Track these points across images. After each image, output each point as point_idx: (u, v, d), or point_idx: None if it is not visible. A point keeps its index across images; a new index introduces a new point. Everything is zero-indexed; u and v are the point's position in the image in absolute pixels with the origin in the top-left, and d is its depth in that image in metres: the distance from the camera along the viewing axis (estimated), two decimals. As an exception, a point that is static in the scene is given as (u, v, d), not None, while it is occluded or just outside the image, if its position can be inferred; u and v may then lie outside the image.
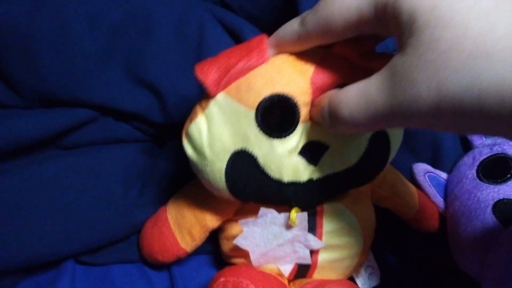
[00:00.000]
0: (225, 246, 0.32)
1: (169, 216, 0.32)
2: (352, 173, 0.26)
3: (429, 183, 0.36)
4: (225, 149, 0.25)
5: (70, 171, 0.33)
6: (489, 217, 0.29)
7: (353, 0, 0.20)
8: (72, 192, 0.33)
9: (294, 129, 0.25)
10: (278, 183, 0.26)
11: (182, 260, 0.35)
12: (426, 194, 0.36)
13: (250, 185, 0.26)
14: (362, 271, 0.34)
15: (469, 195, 0.32)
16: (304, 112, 0.25)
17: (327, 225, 0.29)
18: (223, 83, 0.24)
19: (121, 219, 0.34)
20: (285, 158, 0.25)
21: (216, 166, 0.25)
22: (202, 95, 0.26)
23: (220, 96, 0.25)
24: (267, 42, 0.25)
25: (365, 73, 0.23)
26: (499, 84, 0.15)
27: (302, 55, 0.25)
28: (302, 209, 0.28)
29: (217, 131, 0.25)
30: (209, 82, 0.24)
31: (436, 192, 0.36)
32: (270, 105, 0.24)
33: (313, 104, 0.24)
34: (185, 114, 0.35)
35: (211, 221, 0.31)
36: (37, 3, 0.33)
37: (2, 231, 0.31)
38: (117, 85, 0.35)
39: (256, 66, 0.24)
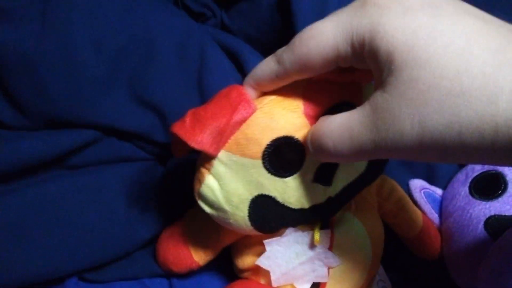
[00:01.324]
0: (241, 262, 0.32)
1: (185, 229, 0.33)
2: (364, 177, 0.27)
3: (425, 199, 0.37)
4: (242, 201, 0.25)
5: (73, 189, 0.34)
6: (481, 233, 0.30)
7: (329, 38, 0.20)
8: (75, 210, 0.34)
9: (303, 163, 0.25)
10: (300, 211, 0.27)
11: (184, 276, 0.36)
12: (422, 210, 0.37)
13: (274, 221, 0.27)
14: (375, 285, 0.34)
15: (462, 212, 0.33)
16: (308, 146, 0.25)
17: (337, 235, 0.29)
18: (221, 143, 0.25)
19: (124, 236, 0.35)
20: (301, 190, 0.26)
21: (238, 216, 0.26)
22: (201, 157, 0.27)
23: (222, 154, 0.25)
24: (247, 93, 0.25)
25: (351, 86, 0.25)
26: (478, 121, 0.16)
27: (287, 92, 0.25)
28: (323, 226, 0.29)
29: (230, 186, 0.25)
30: (207, 147, 0.24)
31: (431, 208, 0.36)
32: (274, 150, 0.24)
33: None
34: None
35: (227, 237, 0.31)
36: (44, 27, 0.34)
37: (7, 250, 0.31)
38: (121, 106, 0.36)
39: (247, 119, 0.24)
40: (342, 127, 0.20)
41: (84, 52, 0.34)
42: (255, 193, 0.25)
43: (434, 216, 0.36)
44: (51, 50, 0.34)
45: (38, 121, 0.35)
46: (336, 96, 0.25)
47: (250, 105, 0.24)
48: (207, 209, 0.27)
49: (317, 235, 0.28)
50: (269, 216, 0.26)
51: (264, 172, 0.25)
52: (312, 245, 0.28)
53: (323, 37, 0.21)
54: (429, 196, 0.37)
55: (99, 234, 0.34)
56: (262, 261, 0.29)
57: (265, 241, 0.29)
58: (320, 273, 0.29)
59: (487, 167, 0.34)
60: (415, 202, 0.37)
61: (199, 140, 0.24)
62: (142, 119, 0.36)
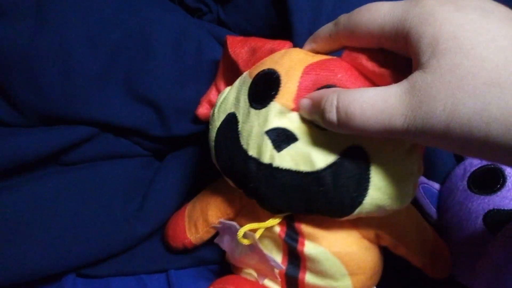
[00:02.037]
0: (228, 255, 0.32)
1: (187, 207, 0.35)
2: (315, 184, 0.24)
3: (423, 194, 0.37)
4: (225, 110, 0.28)
5: (70, 186, 0.34)
6: (480, 228, 0.30)
7: (380, 16, 0.22)
8: (72, 206, 0.34)
9: (267, 104, 0.25)
10: (244, 154, 0.26)
11: (182, 272, 0.36)
12: (421, 205, 0.36)
13: (226, 148, 0.27)
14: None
15: (460, 206, 0.32)
16: (287, 93, 0.25)
17: (310, 267, 0.28)
18: (251, 62, 0.29)
19: (121, 232, 0.35)
20: (254, 129, 0.26)
21: (214, 124, 0.28)
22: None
23: (245, 73, 0.29)
24: (288, 42, 0.29)
25: (366, 82, 0.25)
26: (507, 113, 0.17)
27: (312, 53, 0.27)
28: (287, 228, 0.28)
29: (228, 95, 0.28)
30: (241, 60, 0.29)
31: (430, 203, 0.36)
32: (261, 76, 0.26)
33: (307, 97, 0.24)
34: (183, 127, 0.37)
35: (212, 216, 0.33)
36: (39, 24, 0.34)
37: (4, 246, 0.31)
38: (117, 102, 0.36)
39: (275, 50, 0.28)
40: (377, 97, 0.21)
41: (79, 48, 0.34)
42: (233, 110, 0.27)
43: (432, 211, 0.35)
44: (46, 46, 0.34)
45: (33, 117, 0.35)
46: (340, 81, 0.24)
47: (285, 43, 0.29)
48: (211, 112, 0.30)
49: (241, 232, 0.27)
50: (226, 139, 0.27)
51: (246, 91, 0.27)
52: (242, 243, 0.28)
53: (375, 14, 0.22)
54: (428, 191, 0.37)
55: (96, 230, 0.34)
56: (219, 242, 0.31)
57: (213, 225, 0.31)
58: (269, 270, 0.29)
59: (485, 162, 0.33)
60: (414, 198, 0.37)
61: (237, 51, 0.30)
62: (138, 115, 0.36)
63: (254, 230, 0.28)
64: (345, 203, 0.24)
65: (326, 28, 0.26)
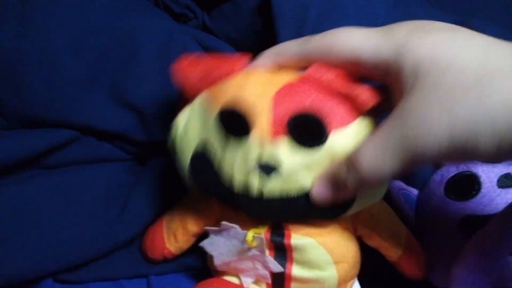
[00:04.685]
0: (210, 261, 0.32)
1: (164, 218, 0.35)
2: (307, 201, 0.26)
3: (402, 200, 0.37)
4: (190, 145, 0.27)
5: (51, 190, 0.34)
6: (456, 233, 0.31)
7: (357, 43, 0.23)
8: (53, 210, 0.33)
9: (244, 141, 0.25)
10: (229, 191, 0.26)
11: (162, 277, 0.35)
12: (400, 211, 0.37)
13: (206, 185, 0.27)
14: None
15: (437, 212, 0.33)
16: (262, 125, 0.25)
17: (296, 258, 0.29)
18: (205, 85, 0.27)
19: (102, 236, 0.34)
20: (235, 167, 0.26)
21: (181, 158, 0.27)
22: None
23: (201, 96, 0.27)
24: (247, 58, 0.27)
25: (338, 100, 0.25)
26: (507, 103, 0.17)
27: (275, 73, 0.26)
28: (273, 229, 0.28)
29: (191, 125, 0.27)
30: (191, 85, 0.27)
31: (408, 209, 0.37)
32: (229, 110, 0.25)
33: (316, 187, 0.25)
34: (166, 133, 0.37)
35: (192, 225, 0.32)
36: (23, 27, 0.34)
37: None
38: (101, 106, 0.35)
39: (229, 74, 0.26)
40: (374, 143, 0.22)
41: (64, 53, 0.34)
42: (202, 144, 0.27)
43: (411, 216, 0.36)
44: (30, 50, 0.34)
45: (16, 120, 0.35)
46: (317, 100, 0.24)
47: (240, 64, 0.27)
48: (168, 141, 0.29)
49: (249, 236, 0.28)
50: (204, 177, 0.27)
51: (215, 125, 0.26)
52: (248, 246, 0.28)
53: (353, 40, 0.23)
54: (407, 197, 0.38)
55: (76, 235, 0.34)
56: (206, 245, 0.30)
57: (208, 228, 0.30)
58: (261, 273, 0.29)
59: (461, 168, 0.34)
60: (394, 203, 0.37)
61: (187, 76, 0.27)
62: (122, 120, 0.36)
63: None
64: (337, 208, 0.26)
65: (294, 46, 0.26)
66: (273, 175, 0.25)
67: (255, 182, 0.26)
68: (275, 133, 0.25)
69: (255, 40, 0.41)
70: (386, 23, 0.24)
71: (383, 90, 0.24)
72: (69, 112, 0.35)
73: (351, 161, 0.23)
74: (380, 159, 0.21)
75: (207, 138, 0.26)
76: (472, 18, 0.45)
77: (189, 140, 0.27)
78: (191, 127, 0.27)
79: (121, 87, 0.36)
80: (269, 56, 0.27)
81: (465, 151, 0.19)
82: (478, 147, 0.18)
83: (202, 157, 0.27)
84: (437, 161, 0.21)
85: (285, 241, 0.28)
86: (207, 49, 0.39)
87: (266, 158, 0.25)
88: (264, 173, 0.25)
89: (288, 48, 0.26)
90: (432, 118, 0.19)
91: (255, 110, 0.25)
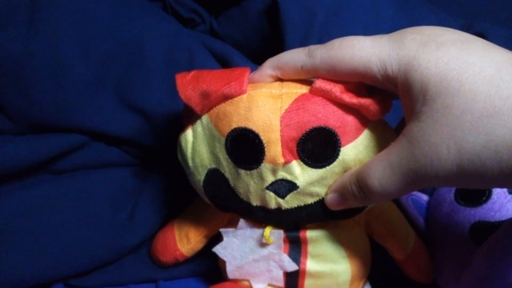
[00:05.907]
0: (222, 267, 0.32)
1: (175, 220, 0.35)
2: (325, 207, 0.26)
3: (412, 205, 0.37)
4: (203, 166, 0.27)
5: (60, 194, 0.34)
6: (465, 239, 0.31)
7: (365, 55, 0.22)
8: (61, 215, 0.33)
9: (257, 166, 0.25)
10: (248, 205, 0.27)
11: (171, 282, 0.35)
12: (409, 217, 0.37)
13: (223, 200, 0.28)
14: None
15: (447, 218, 0.33)
16: (273, 151, 0.25)
17: (311, 251, 0.29)
18: (206, 107, 0.26)
19: (110, 242, 0.34)
20: (252, 188, 0.26)
21: (196, 178, 0.28)
22: (192, 111, 0.28)
23: (205, 118, 0.27)
24: (247, 76, 0.26)
25: (346, 113, 0.24)
26: None
27: (279, 91, 0.25)
28: (291, 233, 0.29)
29: (198, 147, 0.27)
30: (193, 104, 0.26)
31: (418, 214, 0.37)
32: (237, 137, 0.25)
33: (330, 193, 0.26)
34: (173, 137, 0.37)
35: (205, 226, 0.32)
36: (31, 31, 0.34)
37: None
38: (108, 110, 0.36)
39: (234, 96, 0.25)
40: (383, 163, 0.22)
41: (71, 56, 0.34)
42: (213, 166, 0.27)
43: (420, 222, 0.36)
44: (38, 53, 0.34)
45: (24, 125, 0.35)
46: (324, 117, 0.24)
47: (241, 85, 0.25)
48: (179, 156, 0.29)
49: (267, 232, 0.28)
50: (219, 193, 0.27)
51: (224, 151, 0.26)
52: (264, 243, 0.28)
53: (360, 52, 0.22)
54: (416, 203, 0.37)
55: (85, 240, 0.34)
56: (219, 250, 0.30)
57: (222, 230, 0.30)
58: (275, 275, 0.29)
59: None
60: (403, 209, 0.37)
61: (189, 95, 0.26)
62: (129, 123, 0.36)
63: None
64: (351, 211, 0.27)
65: (296, 58, 0.25)
66: (289, 191, 0.26)
67: (272, 200, 0.26)
68: (287, 159, 0.25)
69: (262, 44, 0.41)
70: (393, 27, 0.24)
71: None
72: (77, 116, 0.35)
73: (359, 178, 0.23)
74: (388, 179, 0.22)
75: (217, 160, 0.26)
76: (480, 22, 0.44)
77: (200, 162, 0.27)
78: (198, 149, 0.27)
79: (128, 91, 0.36)
80: (271, 67, 0.26)
81: (473, 178, 0.19)
82: (486, 175, 0.18)
83: (217, 177, 0.27)
84: (445, 186, 0.21)
85: (301, 234, 0.29)
86: (215, 53, 0.39)
87: (280, 183, 0.26)
88: (281, 190, 0.26)
89: (291, 60, 0.25)
90: (441, 146, 0.19)
91: (263, 137, 0.24)
